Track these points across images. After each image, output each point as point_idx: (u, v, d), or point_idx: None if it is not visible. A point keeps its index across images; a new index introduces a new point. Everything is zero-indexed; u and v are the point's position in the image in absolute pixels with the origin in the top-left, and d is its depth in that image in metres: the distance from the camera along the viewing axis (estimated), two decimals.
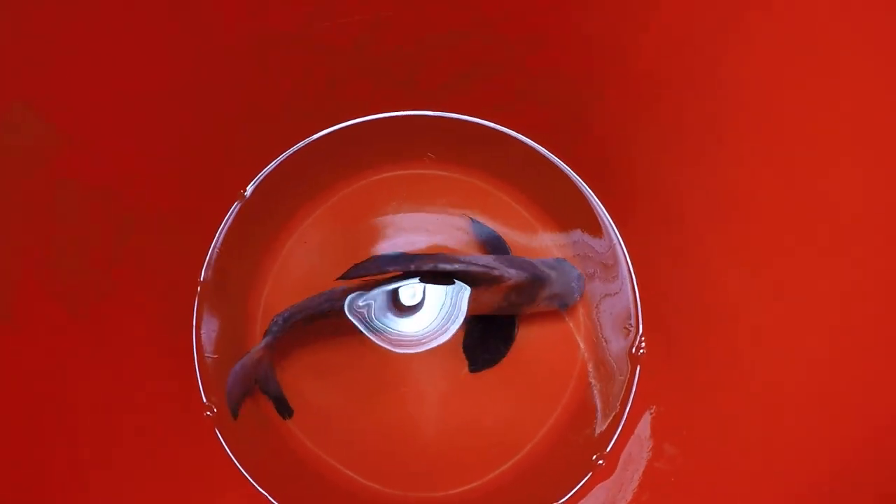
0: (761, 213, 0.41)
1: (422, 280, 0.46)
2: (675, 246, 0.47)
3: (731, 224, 0.43)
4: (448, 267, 0.45)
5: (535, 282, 0.47)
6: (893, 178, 0.34)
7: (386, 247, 0.51)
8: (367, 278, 0.46)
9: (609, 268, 0.50)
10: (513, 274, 0.46)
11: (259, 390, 0.47)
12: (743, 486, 0.39)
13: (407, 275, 0.46)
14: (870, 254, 0.35)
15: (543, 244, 0.51)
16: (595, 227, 0.51)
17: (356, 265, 0.45)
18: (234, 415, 0.47)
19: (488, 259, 0.47)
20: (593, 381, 0.48)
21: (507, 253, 0.50)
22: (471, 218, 0.51)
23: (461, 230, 0.51)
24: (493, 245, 0.51)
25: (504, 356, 0.49)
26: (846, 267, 0.36)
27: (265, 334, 0.46)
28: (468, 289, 0.47)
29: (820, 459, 0.36)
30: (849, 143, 0.36)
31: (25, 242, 0.38)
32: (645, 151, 0.46)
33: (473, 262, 0.46)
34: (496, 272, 0.45)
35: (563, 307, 0.49)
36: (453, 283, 0.46)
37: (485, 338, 0.49)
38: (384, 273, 0.45)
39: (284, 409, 0.48)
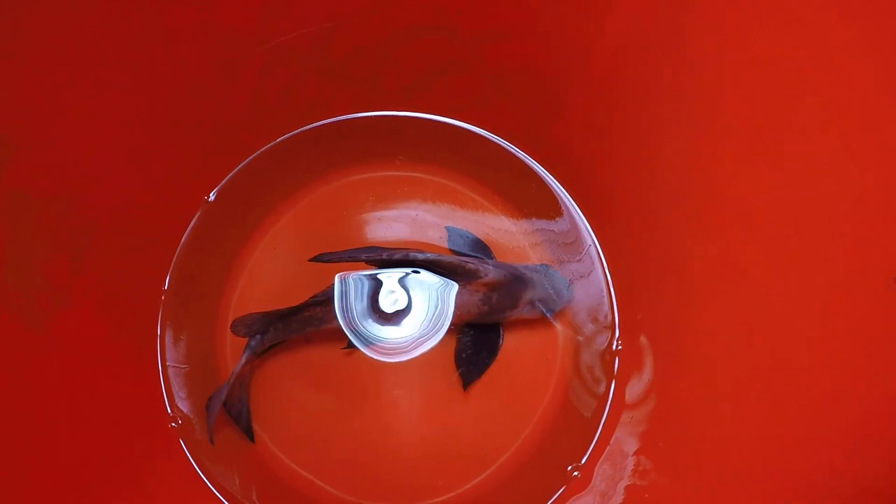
0: (737, 205, 0.39)
1: (394, 267, 0.46)
2: (651, 244, 0.45)
3: (707, 219, 0.41)
4: (420, 256, 0.44)
5: (514, 282, 0.46)
6: (876, 175, 0.33)
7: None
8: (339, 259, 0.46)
9: (583, 268, 0.49)
10: (489, 270, 0.45)
11: (225, 410, 0.46)
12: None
13: (379, 264, 0.45)
14: (852, 251, 0.34)
15: (519, 244, 0.49)
16: (566, 224, 0.49)
17: (328, 252, 0.45)
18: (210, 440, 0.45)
19: (465, 257, 0.46)
20: (576, 382, 0.47)
21: (491, 258, 0.49)
22: (447, 227, 0.49)
23: (438, 233, 0.49)
24: (476, 251, 0.49)
25: (489, 365, 0.47)
26: (829, 260, 0.35)
27: (243, 350, 0.45)
28: (454, 286, 0.45)
29: (796, 477, 0.34)
30: (823, 136, 0.34)
31: None
32: (615, 146, 0.44)
33: (450, 253, 0.45)
34: (470, 265, 0.45)
35: (548, 313, 0.47)
36: (425, 272, 0.45)
37: (476, 351, 0.47)
38: (355, 260, 0.45)
39: (248, 435, 0.46)
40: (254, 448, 0.46)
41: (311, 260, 0.45)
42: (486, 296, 0.45)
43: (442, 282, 0.46)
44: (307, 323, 0.46)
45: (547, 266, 0.48)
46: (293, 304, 0.45)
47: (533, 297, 0.46)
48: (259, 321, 0.45)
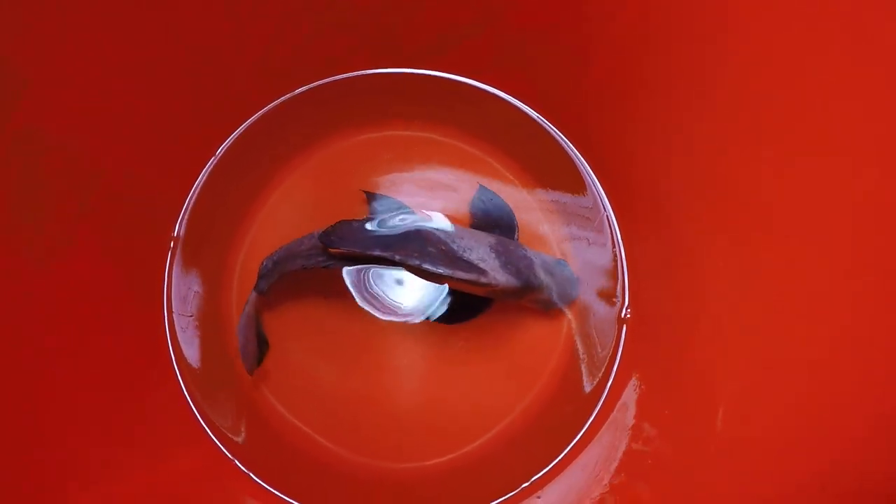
0: (754, 198, 0.38)
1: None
2: (667, 221, 0.45)
3: (720, 198, 0.40)
4: (432, 269, 0.41)
5: (523, 289, 0.44)
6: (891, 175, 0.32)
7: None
8: (351, 253, 0.44)
9: (596, 238, 0.48)
10: (502, 281, 0.43)
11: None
12: (720, 472, 0.37)
13: (391, 264, 0.43)
14: (858, 237, 0.33)
15: (533, 211, 0.49)
16: (581, 192, 0.49)
17: (343, 222, 0.44)
18: (251, 371, 0.46)
19: (483, 252, 0.44)
20: (580, 350, 0.47)
21: (514, 232, 0.47)
22: (480, 185, 0.48)
23: (451, 197, 0.49)
24: (500, 222, 0.48)
25: (481, 312, 0.47)
26: (833, 248, 0.34)
27: (258, 279, 0.45)
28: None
29: (801, 456, 0.34)
30: (851, 136, 0.33)
31: None
32: (637, 116, 0.44)
33: (463, 261, 0.42)
34: (484, 280, 0.42)
35: (547, 309, 0.47)
36: (438, 282, 0.44)
37: (463, 301, 0.47)
38: (368, 253, 0.42)
39: (252, 363, 0.46)
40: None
41: (321, 240, 0.43)
42: (493, 292, 0.44)
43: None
44: (317, 265, 0.45)
45: (563, 263, 0.47)
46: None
47: (539, 298, 0.46)
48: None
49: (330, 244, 0.43)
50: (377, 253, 0.42)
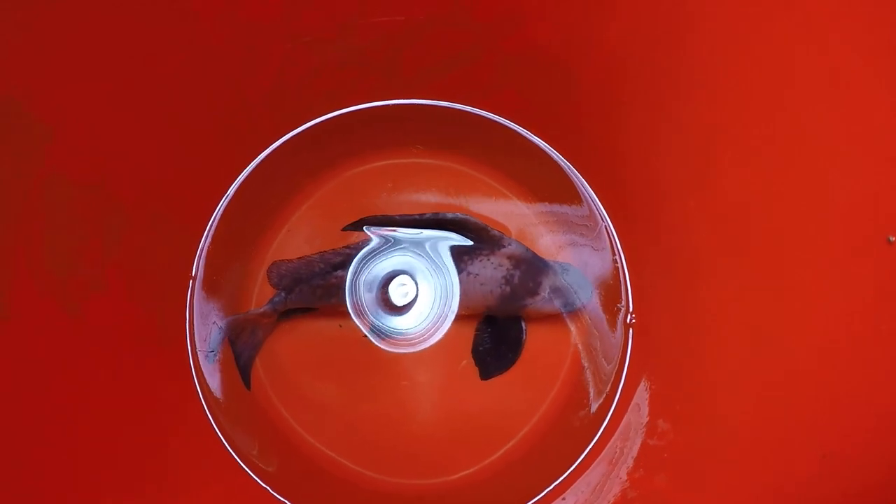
0: (741, 195, 0.41)
1: (426, 227, 0.49)
2: (661, 226, 0.47)
3: (717, 200, 0.43)
4: (448, 216, 0.48)
5: (536, 261, 0.48)
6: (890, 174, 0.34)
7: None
8: (375, 230, 0.49)
9: (597, 246, 0.51)
10: (513, 242, 0.48)
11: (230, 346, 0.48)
12: (733, 461, 0.39)
13: (411, 224, 0.49)
14: (857, 236, 0.35)
15: (534, 226, 0.51)
16: (579, 205, 0.51)
17: (362, 218, 0.49)
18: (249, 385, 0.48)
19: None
20: (585, 363, 0.49)
21: None
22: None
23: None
24: None
25: (514, 363, 0.49)
26: (833, 247, 0.37)
27: (268, 302, 0.48)
28: (457, 284, 0.48)
29: (799, 453, 0.36)
30: (831, 137, 0.35)
31: (17, 239, 0.38)
32: (625, 130, 0.46)
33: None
34: (495, 232, 0.48)
35: (567, 308, 0.49)
36: (454, 231, 0.49)
37: (495, 344, 0.49)
38: (389, 223, 0.49)
39: (244, 380, 0.48)
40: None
41: (345, 229, 0.49)
42: (509, 273, 0.47)
43: (449, 271, 0.48)
44: (332, 293, 0.48)
45: (571, 266, 0.49)
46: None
47: (554, 285, 0.48)
48: (292, 273, 0.48)
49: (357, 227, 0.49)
50: (398, 217, 0.49)
